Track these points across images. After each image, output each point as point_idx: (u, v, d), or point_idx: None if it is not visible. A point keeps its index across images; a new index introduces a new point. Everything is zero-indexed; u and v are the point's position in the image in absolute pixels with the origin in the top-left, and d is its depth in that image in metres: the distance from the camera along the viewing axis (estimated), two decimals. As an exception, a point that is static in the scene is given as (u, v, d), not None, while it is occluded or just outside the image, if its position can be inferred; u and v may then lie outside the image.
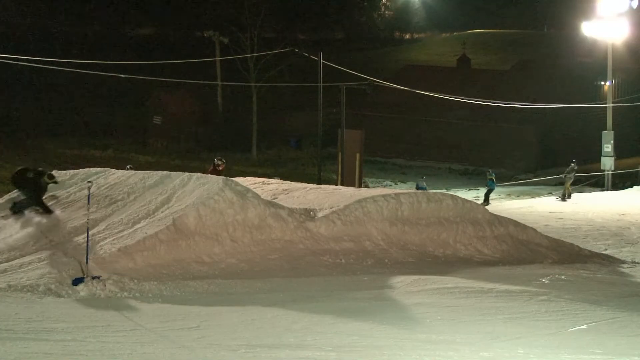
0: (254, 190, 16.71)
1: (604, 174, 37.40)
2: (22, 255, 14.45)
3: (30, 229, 15.78)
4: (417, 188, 33.36)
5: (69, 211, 16.38)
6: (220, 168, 23.48)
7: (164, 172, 17.24)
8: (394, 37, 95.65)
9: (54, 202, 16.84)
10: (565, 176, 34.30)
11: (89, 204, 14.33)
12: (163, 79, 36.09)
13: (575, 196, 33.37)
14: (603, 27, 36.91)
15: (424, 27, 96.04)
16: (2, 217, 16.75)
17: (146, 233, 14.21)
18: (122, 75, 32.26)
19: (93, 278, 12.76)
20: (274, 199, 17.80)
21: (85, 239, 13.75)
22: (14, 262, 14.02)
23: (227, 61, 46.85)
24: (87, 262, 12.97)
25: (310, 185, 19.97)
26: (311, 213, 16.42)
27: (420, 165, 49.98)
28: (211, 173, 22.59)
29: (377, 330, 10.84)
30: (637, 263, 18.49)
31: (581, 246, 19.62)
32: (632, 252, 20.34)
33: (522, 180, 44.43)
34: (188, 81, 42.67)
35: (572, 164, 34.33)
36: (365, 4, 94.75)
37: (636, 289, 14.93)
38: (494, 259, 16.92)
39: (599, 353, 9.98)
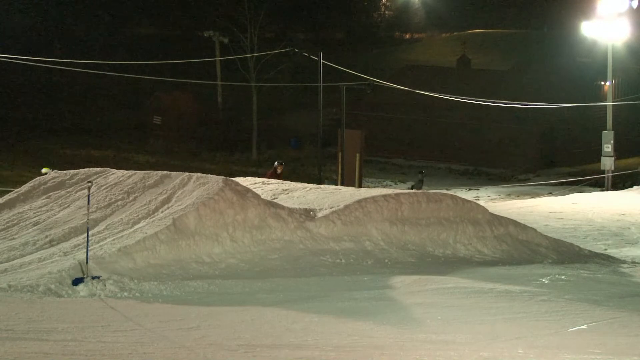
0: (254, 190, 16.72)
1: (603, 173, 37.36)
2: (22, 255, 14.46)
3: (30, 229, 15.79)
4: None
5: (69, 211, 16.38)
6: (279, 171, 23.33)
7: (164, 172, 17.25)
8: (394, 37, 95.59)
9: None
10: (412, 187, 32.85)
11: (89, 204, 14.34)
12: (163, 78, 36.09)
13: (575, 196, 33.34)
14: (603, 27, 36.88)
15: (424, 27, 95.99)
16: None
17: (146, 233, 14.22)
18: (123, 75, 32.25)
19: (93, 278, 12.76)
20: (274, 199, 17.81)
21: (85, 239, 13.76)
22: (14, 262, 14.03)
23: (227, 61, 46.85)
24: (87, 262, 12.97)
25: (310, 185, 19.98)
26: (311, 213, 16.43)
27: (421, 165, 49.94)
28: (270, 177, 22.63)
29: (377, 330, 10.84)
30: (637, 263, 18.49)
31: (581, 246, 19.62)
32: (632, 252, 20.33)
33: (522, 180, 44.42)
34: (188, 81, 42.69)
35: (420, 175, 32.84)
36: (365, 4, 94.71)
37: (636, 289, 14.93)
38: (494, 259, 16.93)
39: (599, 353, 9.98)
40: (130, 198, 16.31)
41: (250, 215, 15.30)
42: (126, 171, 17.91)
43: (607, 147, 36.93)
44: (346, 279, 14.25)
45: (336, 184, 23.83)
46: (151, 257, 13.82)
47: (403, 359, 9.53)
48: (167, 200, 15.79)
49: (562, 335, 10.88)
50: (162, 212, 15.31)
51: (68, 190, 17.51)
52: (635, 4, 36.93)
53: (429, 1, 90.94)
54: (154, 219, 15.00)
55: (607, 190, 36.29)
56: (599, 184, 38.45)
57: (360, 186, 29.95)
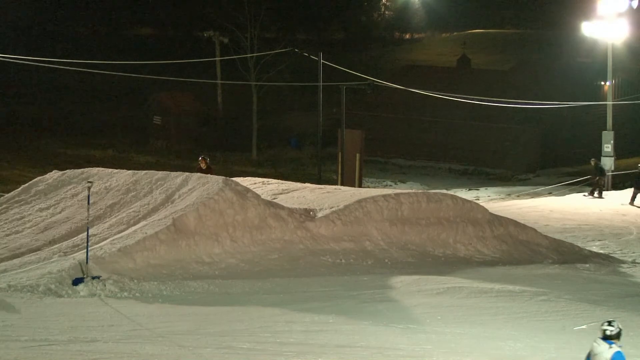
0: (254, 190, 16.72)
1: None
2: (22, 255, 14.45)
3: (30, 229, 15.79)
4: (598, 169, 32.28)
5: (69, 211, 16.38)
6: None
7: (164, 172, 17.26)
8: (394, 37, 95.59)
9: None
10: None
11: (88, 204, 14.33)
12: (163, 78, 36.04)
13: (575, 196, 33.36)
14: (603, 27, 36.85)
15: (424, 27, 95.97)
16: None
17: (146, 233, 14.21)
18: (123, 74, 32.22)
19: (93, 278, 12.76)
20: (274, 199, 17.80)
21: (85, 239, 13.75)
22: (14, 262, 14.03)
23: (227, 61, 46.80)
24: (87, 262, 12.97)
25: (310, 185, 19.97)
26: (311, 213, 16.43)
27: (420, 165, 49.93)
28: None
29: (377, 330, 10.84)
30: (637, 263, 18.50)
31: (581, 246, 19.63)
32: (632, 252, 20.33)
33: (522, 179, 44.41)
34: (188, 80, 42.67)
35: None
36: (365, 4, 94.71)
37: (636, 289, 14.94)
38: (494, 259, 16.93)
39: (599, 353, 9.97)
40: (130, 198, 16.31)
41: (250, 215, 15.29)
42: (126, 171, 17.91)
43: (607, 147, 36.88)
44: (346, 279, 14.25)
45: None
46: (151, 257, 13.82)
47: (403, 358, 9.54)
48: (167, 200, 15.79)
49: (563, 335, 10.89)
50: (162, 212, 15.31)
51: (68, 190, 17.52)
52: (635, 4, 36.86)
53: (429, 1, 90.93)
54: (154, 219, 15.00)
55: (607, 190, 36.30)
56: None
57: (360, 186, 29.94)
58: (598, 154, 36.63)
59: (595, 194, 31.63)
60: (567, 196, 33.87)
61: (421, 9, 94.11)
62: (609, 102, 38.12)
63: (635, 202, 29.57)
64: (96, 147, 47.63)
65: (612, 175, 36.81)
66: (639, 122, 50.62)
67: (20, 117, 55.25)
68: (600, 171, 32.68)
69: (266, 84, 46.94)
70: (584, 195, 32.16)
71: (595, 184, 32.24)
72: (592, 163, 33.00)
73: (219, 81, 51.59)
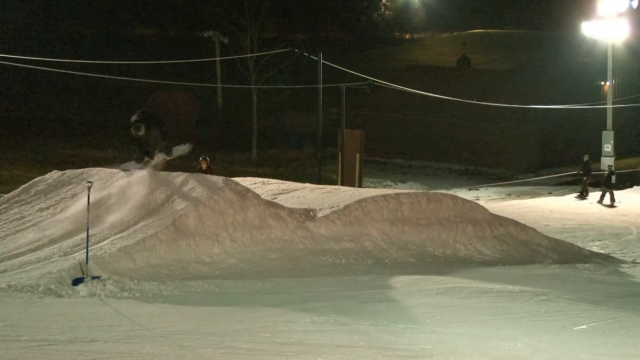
0: (254, 190, 16.72)
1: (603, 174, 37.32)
2: (22, 255, 14.45)
3: (30, 229, 15.79)
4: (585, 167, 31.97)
5: (69, 211, 16.37)
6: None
7: (164, 172, 17.25)
8: (394, 37, 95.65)
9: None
10: None
11: (88, 204, 14.33)
12: (163, 82, 36.06)
13: (575, 196, 33.37)
14: (603, 27, 36.87)
15: (424, 27, 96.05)
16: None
17: (146, 233, 14.21)
18: (122, 78, 32.21)
19: (93, 278, 12.76)
20: (274, 199, 17.81)
21: (85, 239, 13.75)
22: (14, 262, 14.03)
23: (227, 61, 46.82)
24: (87, 262, 12.97)
25: (310, 185, 19.98)
26: (311, 213, 16.44)
27: (420, 165, 49.95)
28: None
29: (377, 330, 10.84)
30: (637, 263, 18.51)
31: (581, 246, 19.63)
32: (632, 252, 20.34)
33: (522, 180, 44.41)
34: (188, 83, 42.70)
35: None
36: (365, 4, 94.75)
37: (636, 289, 14.94)
38: (494, 259, 16.94)
39: (599, 353, 9.99)
40: (130, 198, 16.30)
41: (250, 215, 15.30)
42: (126, 171, 17.88)
43: (607, 147, 36.91)
44: (346, 279, 14.25)
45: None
46: (151, 257, 13.82)
47: (403, 359, 9.53)
48: (167, 200, 15.78)
49: (562, 335, 10.89)
50: (162, 212, 15.31)
51: (68, 190, 17.51)
52: (635, 4, 36.90)
53: (429, 1, 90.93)
54: (154, 219, 15.00)
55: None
56: (598, 184, 38.42)
57: (360, 186, 29.95)
58: (598, 154, 36.66)
59: (584, 195, 31.72)
60: (567, 196, 33.90)
61: (421, 9, 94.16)
62: (609, 103, 38.12)
63: (604, 201, 29.79)
64: (96, 147, 47.63)
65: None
66: (639, 122, 50.65)
67: (20, 117, 55.24)
68: (587, 169, 32.70)
69: (265, 86, 46.94)
70: (575, 197, 32.19)
71: (584, 183, 32.30)
72: (584, 159, 33.02)
73: (219, 82, 51.56)
